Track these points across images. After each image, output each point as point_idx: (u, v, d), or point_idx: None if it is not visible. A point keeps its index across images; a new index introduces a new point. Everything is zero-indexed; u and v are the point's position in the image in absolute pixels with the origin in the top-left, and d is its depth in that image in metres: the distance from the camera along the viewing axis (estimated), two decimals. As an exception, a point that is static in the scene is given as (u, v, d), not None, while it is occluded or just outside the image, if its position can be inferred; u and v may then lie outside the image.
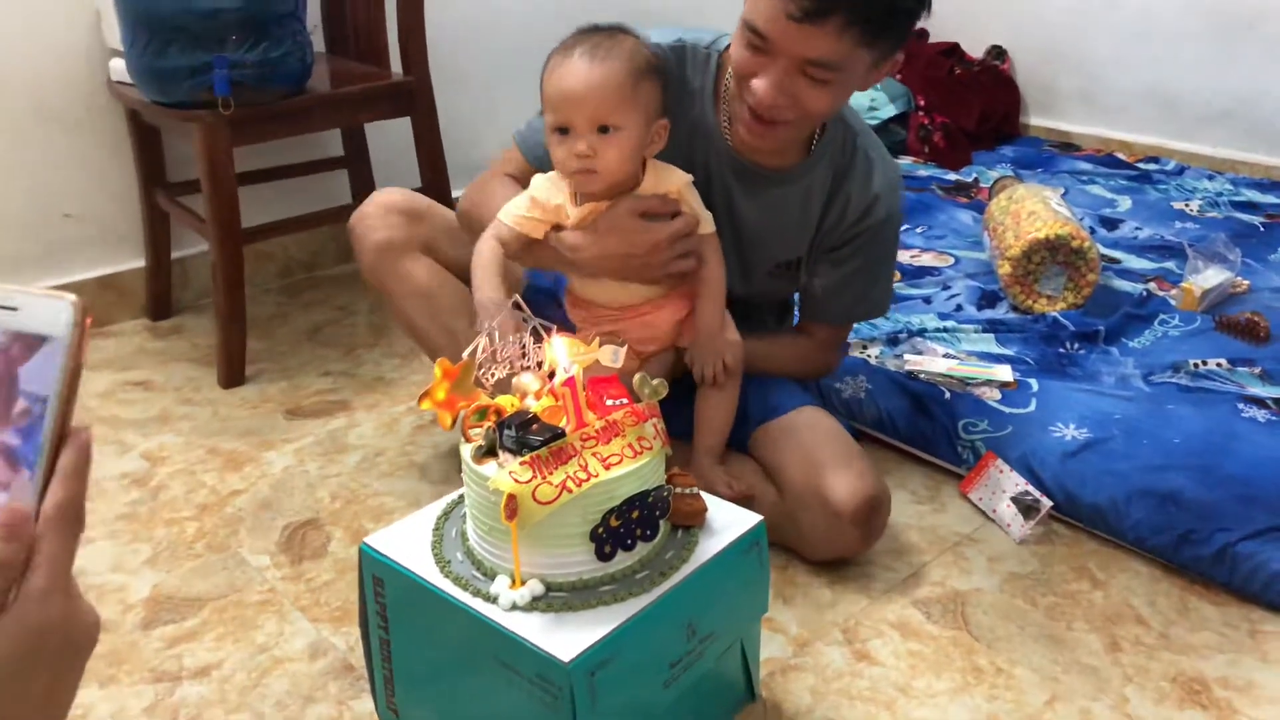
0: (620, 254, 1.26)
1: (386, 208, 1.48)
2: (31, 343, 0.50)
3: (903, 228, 2.26)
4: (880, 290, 1.50)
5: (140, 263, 2.19)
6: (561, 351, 0.99)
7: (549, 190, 1.28)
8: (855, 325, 1.69)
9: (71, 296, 0.51)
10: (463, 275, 1.35)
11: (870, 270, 1.46)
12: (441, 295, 1.45)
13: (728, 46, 1.33)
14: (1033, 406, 1.68)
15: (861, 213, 1.40)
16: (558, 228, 1.29)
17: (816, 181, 1.40)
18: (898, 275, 2.25)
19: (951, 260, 2.35)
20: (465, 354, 1.00)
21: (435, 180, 2.12)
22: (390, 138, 2.27)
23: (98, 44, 2.02)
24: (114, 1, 1.75)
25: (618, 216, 1.25)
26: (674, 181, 1.28)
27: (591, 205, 1.26)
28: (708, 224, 1.32)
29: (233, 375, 1.93)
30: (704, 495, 1.07)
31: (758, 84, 1.22)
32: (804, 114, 1.25)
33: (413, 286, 1.46)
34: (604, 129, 1.19)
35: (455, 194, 2.21)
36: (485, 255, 1.28)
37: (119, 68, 1.92)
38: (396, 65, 2.08)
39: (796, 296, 1.57)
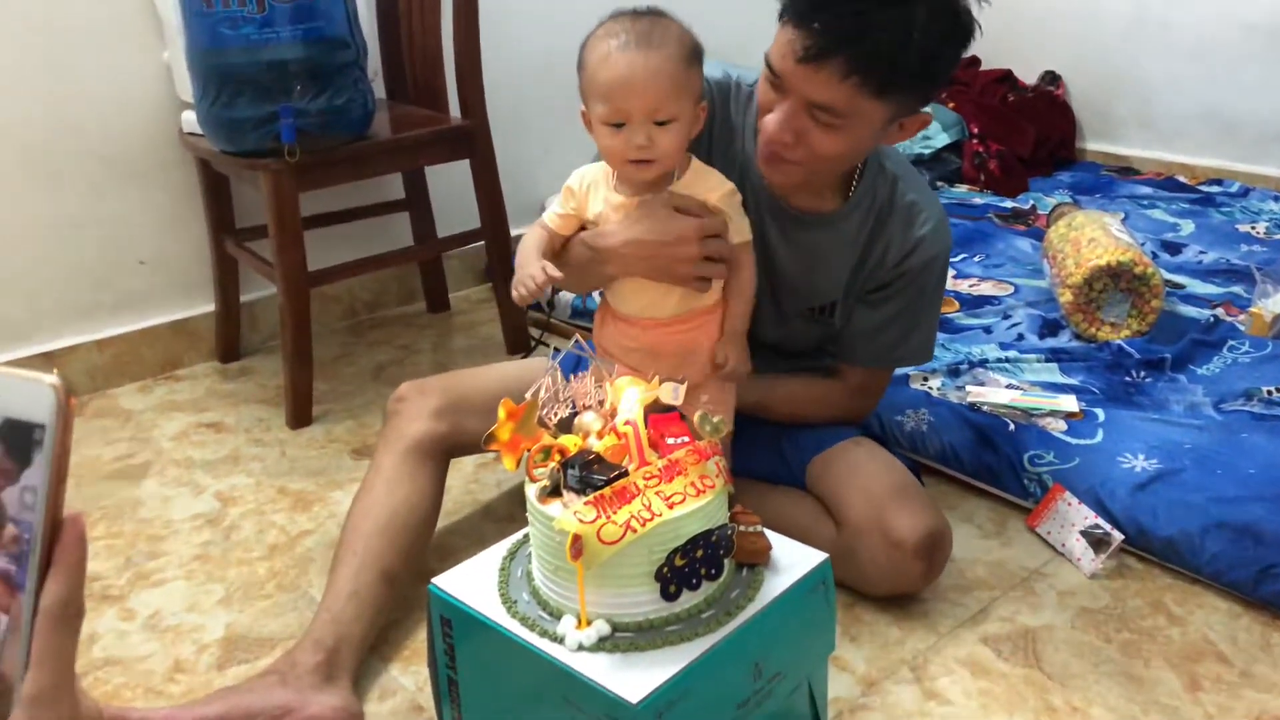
0: (649, 240, 1.23)
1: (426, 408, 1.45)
2: (21, 441, 0.48)
3: (952, 272, 2.23)
4: (920, 336, 1.45)
5: (210, 307, 2.25)
6: (623, 390, 1.01)
7: (580, 177, 1.30)
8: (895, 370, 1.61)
9: (51, 378, 0.48)
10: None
11: (908, 314, 1.42)
12: (390, 526, 1.36)
13: None
14: (1100, 437, 1.65)
15: (902, 256, 1.38)
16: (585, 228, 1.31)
17: (854, 227, 1.38)
18: (956, 304, 2.24)
19: (1011, 289, 2.32)
20: (529, 394, 1.02)
21: (494, 220, 2.16)
22: (450, 180, 2.32)
23: (169, 97, 2.10)
24: (185, 56, 1.82)
25: (651, 204, 1.25)
26: (716, 190, 1.26)
27: (629, 200, 1.26)
28: (744, 232, 1.29)
29: (300, 416, 1.97)
30: (768, 533, 1.07)
31: (768, 119, 1.23)
32: (812, 155, 1.24)
33: (386, 495, 1.38)
34: (660, 120, 1.18)
35: (514, 233, 2.25)
36: (530, 240, 1.31)
37: (190, 119, 1.98)
38: (455, 109, 2.12)
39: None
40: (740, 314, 1.31)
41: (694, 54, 1.21)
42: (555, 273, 1.22)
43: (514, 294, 1.25)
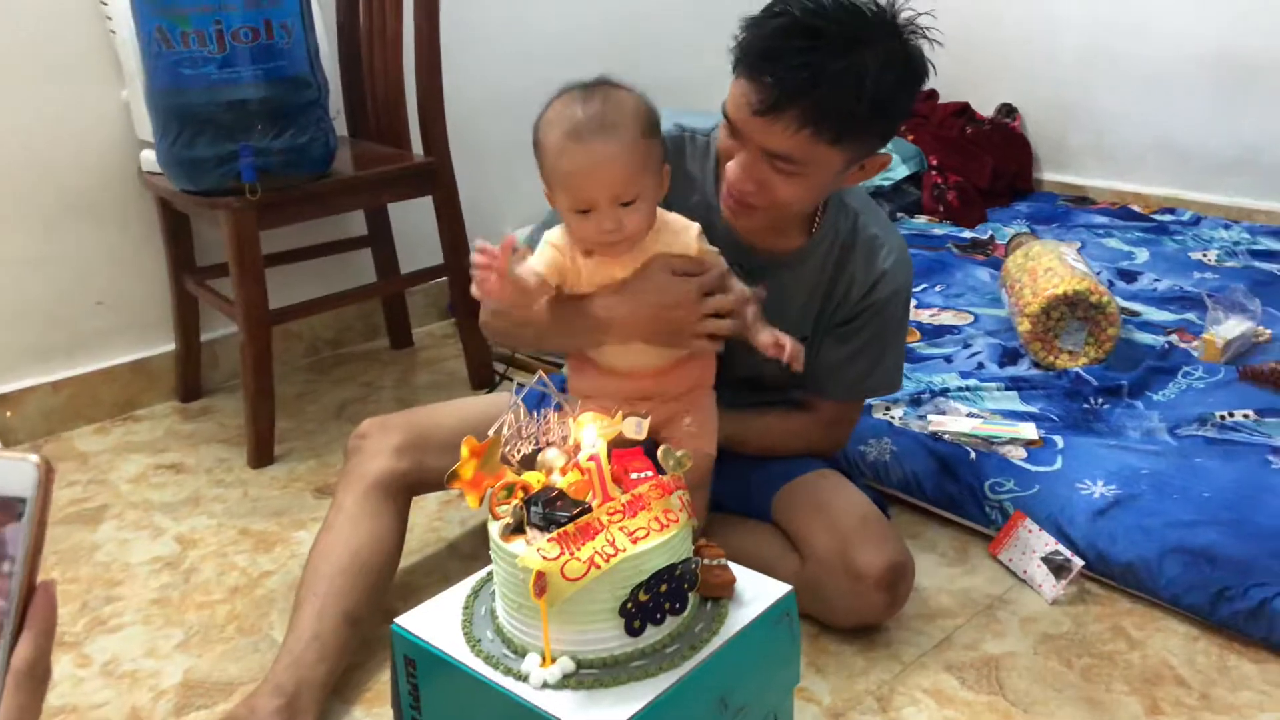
0: (653, 308, 1.22)
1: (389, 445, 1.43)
2: (7, 507, 0.53)
3: (913, 302, 2.26)
4: (887, 366, 1.47)
5: (170, 346, 2.23)
6: (586, 426, 1.01)
7: (562, 237, 1.25)
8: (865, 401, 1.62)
9: (34, 456, 0.53)
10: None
11: (875, 346, 1.44)
12: (353, 567, 1.34)
13: None
14: (1059, 464, 1.67)
15: (866, 290, 1.40)
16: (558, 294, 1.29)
17: (818, 263, 1.40)
18: (917, 334, 2.26)
19: (971, 318, 2.35)
20: (492, 431, 1.02)
21: (456, 256, 2.16)
22: (413, 216, 2.32)
23: (128, 136, 2.09)
24: (145, 96, 1.81)
25: (649, 273, 1.23)
26: (683, 233, 1.25)
27: (605, 264, 1.24)
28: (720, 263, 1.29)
29: (262, 455, 1.95)
30: (732, 566, 1.07)
31: (729, 166, 1.25)
32: (773, 202, 1.25)
33: (348, 535, 1.37)
34: (626, 201, 1.17)
35: (477, 269, 2.25)
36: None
37: (149, 158, 1.98)
38: (418, 146, 2.13)
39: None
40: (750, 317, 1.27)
41: (650, 125, 1.19)
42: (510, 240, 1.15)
43: (475, 287, 1.16)
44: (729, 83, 1.25)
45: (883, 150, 1.29)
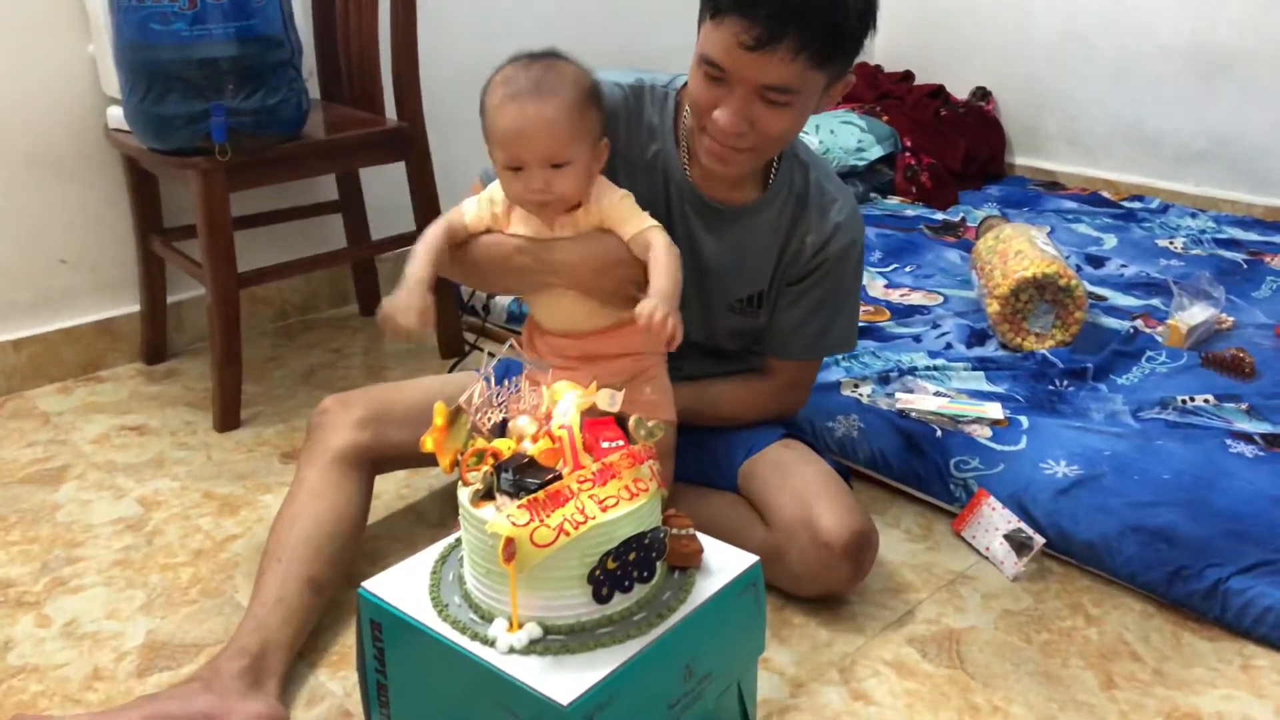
0: (603, 258, 1.27)
1: (350, 419, 1.44)
2: None
3: (881, 282, 2.27)
4: (844, 323, 1.49)
5: (135, 307, 2.20)
6: (560, 395, 1.01)
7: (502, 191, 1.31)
8: (824, 360, 1.64)
9: None
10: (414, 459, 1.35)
11: (832, 302, 1.46)
12: (317, 534, 1.34)
13: (684, 85, 1.37)
14: (1023, 444, 1.69)
15: (821, 244, 1.42)
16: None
17: (775, 214, 1.42)
18: (887, 313, 2.28)
19: (940, 299, 2.37)
20: (463, 399, 1.01)
21: (428, 223, 2.13)
22: (384, 182, 2.29)
23: (94, 92, 2.05)
24: (113, 51, 1.78)
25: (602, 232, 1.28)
26: (612, 199, 1.29)
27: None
28: (647, 219, 1.28)
29: (228, 419, 1.93)
30: (700, 536, 1.08)
31: (719, 114, 1.25)
32: (765, 138, 1.27)
33: (310, 504, 1.37)
34: (556, 164, 1.21)
35: (449, 237, 2.23)
36: (429, 236, 1.32)
37: (116, 115, 1.94)
38: (391, 111, 2.10)
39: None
40: (666, 270, 1.23)
41: (589, 96, 1.23)
42: (429, 320, 1.23)
43: (386, 321, 1.24)
44: (696, 38, 1.26)
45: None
